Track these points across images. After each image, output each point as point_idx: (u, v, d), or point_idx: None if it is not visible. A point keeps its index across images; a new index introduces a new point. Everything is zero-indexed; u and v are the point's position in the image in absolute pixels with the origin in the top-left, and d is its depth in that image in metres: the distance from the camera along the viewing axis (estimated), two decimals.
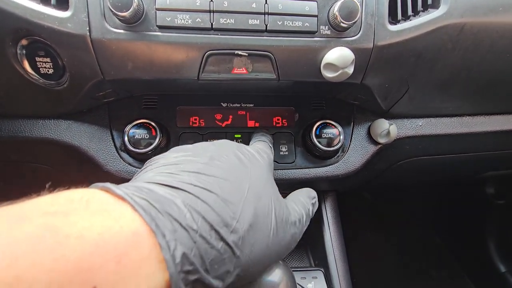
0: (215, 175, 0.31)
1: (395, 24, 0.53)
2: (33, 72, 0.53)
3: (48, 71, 0.53)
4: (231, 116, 0.65)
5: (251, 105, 0.65)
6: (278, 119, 0.65)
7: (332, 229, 0.73)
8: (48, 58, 0.52)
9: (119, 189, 0.26)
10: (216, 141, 0.42)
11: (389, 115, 0.66)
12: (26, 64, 0.52)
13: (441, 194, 1.65)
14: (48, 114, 0.61)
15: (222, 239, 0.27)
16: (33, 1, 0.47)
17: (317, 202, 0.47)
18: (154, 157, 0.38)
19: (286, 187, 0.72)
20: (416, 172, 0.85)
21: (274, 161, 0.62)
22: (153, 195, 0.26)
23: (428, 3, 0.55)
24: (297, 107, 0.66)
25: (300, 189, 0.47)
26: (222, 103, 0.65)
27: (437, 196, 1.67)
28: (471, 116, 0.69)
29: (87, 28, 0.46)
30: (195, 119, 0.64)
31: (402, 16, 0.53)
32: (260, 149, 0.45)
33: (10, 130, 0.60)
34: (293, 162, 0.63)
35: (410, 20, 0.54)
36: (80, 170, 0.66)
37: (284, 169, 0.62)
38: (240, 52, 0.49)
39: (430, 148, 0.71)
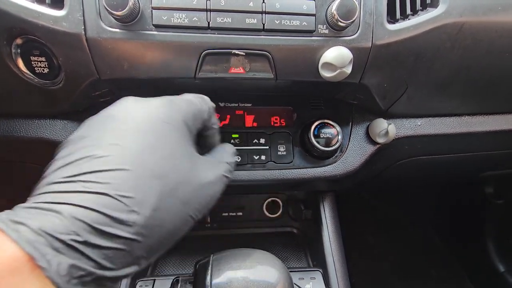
0: (111, 167, 0.30)
1: (393, 23, 0.52)
2: (28, 72, 0.52)
3: (43, 70, 0.52)
4: (228, 116, 0.64)
5: (249, 104, 0.65)
6: (276, 119, 0.65)
7: (331, 229, 0.72)
8: (43, 57, 0.51)
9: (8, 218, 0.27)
10: (117, 110, 0.37)
11: (388, 115, 0.66)
12: (21, 63, 0.52)
13: (440, 194, 1.65)
14: (44, 114, 0.60)
15: (116, 236, 0.28)
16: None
17: (234, 157, 0.46)
18: (59, 149, 0.36)
19: (284, 187, 0.72)
20: (415, 172, 0.85)
21: (272, 161, 0.62)
22: (34, 215, 0.27)
23: (427, 2, 0.54)
24: (295, 106, 0.65)
25: (221, 145, 0.46)
26: (219, 103, 0.64)
27: (436, 196, 1.67)
28: (470, 115, 0.69)
29: (82, 27, 0.46)
30: None
31: (400, 15, 0.53)
32: (175, 109, 0.38)
33: (4, 129, 0.59)
34: (291, 162, 0.62)
35: (408, 19, 0.53)
36: None
37: (282, 169, 0.62)
38: (237, 52, 0.48)
39: (429, 148, 0.71)
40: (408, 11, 0.53)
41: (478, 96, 0.66)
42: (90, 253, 0.27)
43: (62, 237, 0.26)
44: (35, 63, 0.52)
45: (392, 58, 0.54)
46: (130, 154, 0.31)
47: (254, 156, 0.62)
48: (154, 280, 0.64)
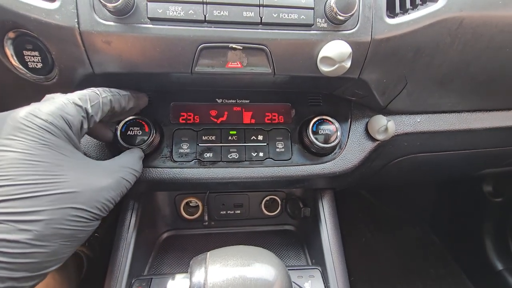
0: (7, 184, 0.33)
1: (393, 17, 0.52)
2: (21, 66, 0.51)
3: (36, 65, 0.51)
4: (226, 112, 0.63)
5: (246, 101, 0.64)
6: (274, 116, 0.64)
7: (330, 227, 0.71)
8: (37, 52, 0.50)
9: None
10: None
11: (387, 111, 0.65)
12: (14, 58, 0.51)
13: (439, 192, 1.65)
14: None
15: (10, 253, 0.32)
16: None
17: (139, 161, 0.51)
18: None
19: (282, 184, 0.71)
20: (414, 170, 0.84)
21: (270, 158, 0.61)
22: None
23: None
24: (293, 103, 0.65)
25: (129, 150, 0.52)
26: (217, 99, 0.64)
27: (435, 195, 1.66)
28: (470, 112, 0.68)
29: (76, 20, 0.44)
30: (190, 116, 0.62)
31: (400, 9, 0.52)
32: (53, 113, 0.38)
33: None
34: (290, 159, 0.62)
35: (408, 14, 0.52)
36: None
37: (280, 166, 0.61)
38: (234, 45, 0.47)
39: (428, 145, 0.70)
40: (408, 5, 0.52)
41: (478, 92, 0.65)
42: None
43: None
44: (28, 58, 0.51)
45: (391, 53, 0.53)
46: (17, 169, 0.34)
47: (252, 153, 0.61)
48: (151, 279, 0.63)
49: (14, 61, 0.51)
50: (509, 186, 1.40)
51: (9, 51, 0.50)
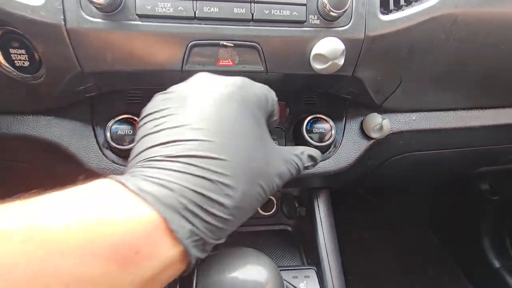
0: (207, 154, 0.32)
1: (387, 14, 0.51)
2: (7, 64, 0.50)
3: (23, 63, 0.50)
4: None
5: None
6: None
7: (325, 226, 0.71)
8: (23, 50, 0.49)
9: (134, 184, 0.29)
10: (193, 86, 0.37)
11: (382, 110, 0.65)
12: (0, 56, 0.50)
13: (436, 191, 1.65)
14: (26, 110, 0.58)
15: (214, 215, 0.31)
16: None
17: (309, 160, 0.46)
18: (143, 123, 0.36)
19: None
20: (410, 168, 0.83)
21: None
22: (151, 185, 0.29)
23: None
24: (287, 101, 0.64)
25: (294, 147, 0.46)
26: None
27: (432, 193, 1.66)
28: (465, 110, 0.68)
29: (62, 17, 0.43)
30: None
31: (394, 5, 0.51)
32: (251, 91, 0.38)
33: None
34: None
35: (402, 10, 0.52)
36: (61, 168, 0.63)
37: None
38: (225, 43, 0.46)
39: (424, 143, 0.70)
40: (402, 1, 0.52)
41: (473, 90, 0.65)
42: (199, 224, 0.30)
43: (180, 206, 0.29)
44: (14, 56, 0.49)
45: (385, 50, 0.52)
46: (222, 143, 0.32)
47: None
48: None
49: (1, 59, 0.50)
50: (506, 185, 1.40)
51: None
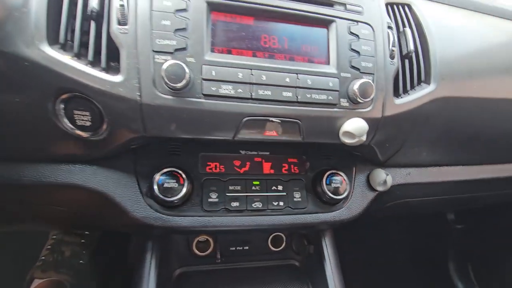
0: None
1: (397, 98, 0.63)
2: (68, 124, 0.54)
3: (85, 123, 0.55)
4: (248, 163, 0.70)
5: (267, 153, 0.72)
6: (291, 167, 0.72)
7: (333, 263, 0.80)
8: (88, 112, 0.54)
9: None
10: None
11: (385, 165, 0.77)
12: (62, 115, 0.53)
13: (413, 223, 1.83)
14: (73, 160, 0.61)
15: None
16: (81, 63, 0.50)
17: None
18: None
19: (297, 229, 0.79)
20: (400, 210, 0.96)
21: (289, 206, 0.69)
22: None
23: (422, 79, 0.66)
24: (307, 156, 0.73)
25: None
26: (240, 151, 0.70)
27: (409, 225, 1.84)
28: (448, 166, 0.82)
29: (138, 93, 0.50)
30: (216, 166, 0.68)
31: (403, 92, 0.64)
32: None
33: (32, 175, 0.59)
34: (306, 207, 0.70)
35: (408, 94, 0.64)
36: (100, 214, 0.66)
37: (298, 214, 0.69)
38: (273, 119, 0.55)
39: (416, 192, 0.83)
40: (408, 87, 0.64)
41: (455, 151, 0.79)
42: None
43: None
44: (77, 117, 0.54)
45: (394, 125, 0.64)
46: None
47: (274, 202, 0.68)
48: None
49: (63, 120, 0.54)
50: (469, 215, 1.61)
51: (61, 111, 0.53)
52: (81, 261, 1.48)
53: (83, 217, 0.71)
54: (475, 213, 1.59)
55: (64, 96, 0.53)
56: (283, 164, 0.72)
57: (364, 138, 0.58)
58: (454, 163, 0.81)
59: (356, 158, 0.76)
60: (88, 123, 0.55)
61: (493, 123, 0.75)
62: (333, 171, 0.71)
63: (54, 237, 1.44)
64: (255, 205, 0.67)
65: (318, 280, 0.82)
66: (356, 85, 0.56)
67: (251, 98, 0.53)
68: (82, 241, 1.48)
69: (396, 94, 0.64)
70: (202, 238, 0.86)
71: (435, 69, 0.67)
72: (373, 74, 0.59)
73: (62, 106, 0.53)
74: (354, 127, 0.56)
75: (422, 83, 0.67)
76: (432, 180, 0.79)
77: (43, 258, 1.40)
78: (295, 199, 0.70)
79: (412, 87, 0.65)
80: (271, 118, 0.55)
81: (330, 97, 0.57)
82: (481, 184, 0.85)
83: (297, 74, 0.55)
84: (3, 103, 0.50)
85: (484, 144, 0.78)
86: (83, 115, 0.54)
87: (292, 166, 0.72)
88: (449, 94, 0.66)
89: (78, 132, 0.55)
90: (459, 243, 1.68)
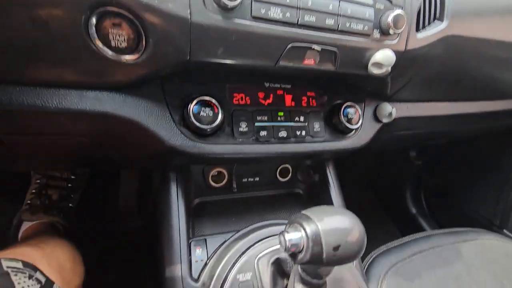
0: None
1: (418, 32, 0.68)
2: (101, 45, 0.50)
3: (120, 44, 0.51)
4: (271, 95, 0.73)
5: (288, 86, 0.74)
6: (309, 100, 0.76)
7: (336, 190, 0.91)
8: (124, 31, 0.50)
9: None
10: None
11: (390, 99, 0.84)
12: (96, 36, 0.49)
13: (380, 158, 2.06)
14: (100, 86, 0.58)
15: None
16: None
17: None
18: None
19: (315, 156, 0.85)
20: (392, 142, 1.09)
21: (309, 135, 0.74)
22: None
23: (437, 16, 0.71)
24: (325, 90, 0.78)
25: None
26: (265, 83, 0.72)
27: (376, 159, 2.07)
28: (441, 102, 0.93)
29: (188, 11, 0.47)
30: (242, 97, 0.70)
31: (422, 26, 0.68)
32: None
33: (58, 101, 0.55)
34: (324, 137, 0.76)
35: (425, 30, 0.69)
36: (125, 146, 0.65)
37: (317, 142, 0.75)
38: (315, 47, 0.57)
39: (410, 125, 0.94)
40: (427, 22, 0.69)
41: (451, 87, 0.89)
42: None
43: None
44: (112, 36, 0.50)
45: (411, 59, 0.70)
46: None
47: (297, 132, 0.73)
48: (205, 239, 0.73)
49: (95, 39, 0.49)
50: (427, 153, 1.87)
51: (92, 26, 0.48)
52: (70, 205, 1.46)
53: (105, 149, 0.69)
54: (432, 152, 1.85)
55: (100, 10, 0.47)
56: (303, 98, 0.76)
57: (389, 69, 0.63)
58: (445, 99, 0.92)
59: (365, 93, 0.83)
60: (123, 44, 0.51)
61: (487, 63, 0.85)
62: (349, 104, 0.76)
63: (38, 181, 1.38)
64: (280, 134, 0.71)
65: (322, 203, 0.93)
66: (390, 17, 0.58)
67: (297, 24, 0.54)
68: (69, 185, 1.44)
69: (417, 28, 0.68)
70: (214, 172, 0.90)
71: (448, 6, 0.71)
72: (402, 7, 0.62)
73: (94, 22, 0.48)
74: (385, 58, 0.61)
75: (436, 20, 0.71)
76: (426, 114, 0.90)
77: (29, 202, 1.35)
78: (314, 129, 0.75)
79: (429, 23, 0.70)
80: (313, 46, 0.56)
81: (366, 27, 0.59)
82: (464, 118, 0.98)
83: (339, 1, 0.56)
84: (34, 18, 0.44)
85: (474, 83, 0.89)
86: (119, 35, 0.50)
87: (310, 99, 0.76)
88: (458, 33, 0.73)
89: (111, 53, 0.51)
90: (416, 176, 1.97)
